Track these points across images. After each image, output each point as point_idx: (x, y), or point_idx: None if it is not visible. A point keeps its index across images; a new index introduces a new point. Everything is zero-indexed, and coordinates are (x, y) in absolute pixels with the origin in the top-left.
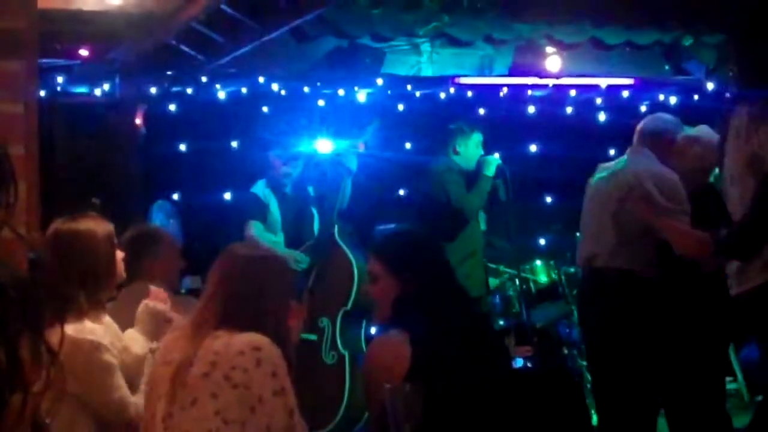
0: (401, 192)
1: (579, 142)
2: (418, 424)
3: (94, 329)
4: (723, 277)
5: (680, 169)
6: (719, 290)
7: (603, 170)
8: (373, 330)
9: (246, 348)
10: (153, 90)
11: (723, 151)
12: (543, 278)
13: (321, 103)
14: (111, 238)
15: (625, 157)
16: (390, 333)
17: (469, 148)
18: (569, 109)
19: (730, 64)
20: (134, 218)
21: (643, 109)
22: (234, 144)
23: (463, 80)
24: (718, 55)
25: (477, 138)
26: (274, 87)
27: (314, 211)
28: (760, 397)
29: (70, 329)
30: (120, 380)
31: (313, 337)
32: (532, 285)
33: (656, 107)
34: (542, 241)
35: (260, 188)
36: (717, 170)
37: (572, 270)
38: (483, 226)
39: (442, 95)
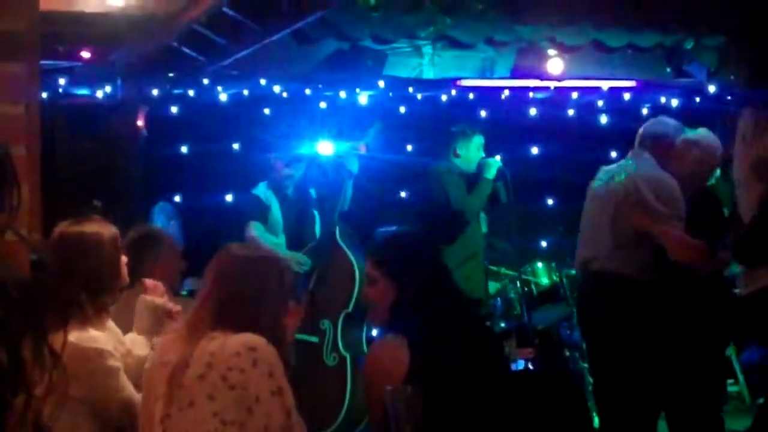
0: (402, 194)
1: (580, 144)
2: (419, 425)
3: (97, 337)
4: (721, 281)
5: (679, 172)
6: (716, 294)
7: (604, 173)
8: (374, 332)
9: (242, 348)
10: (154, 92)
11: (731, 155)
12: (544, 280)
13: (323, 105)
14: (116, 241)
15: (624, 160)
16: (388, 337)
17: (470, 151)
18: (570, 112)
19: (732, 66)
20: (135, 220)
21: (645, 111)
22: (235, 146)
23: (465, 82)
24: (719, 58)
25: (478, 141)
26: (276, 89)
27: (316, 212)
28: (761, 400)
29: (73, 337)
30: (125, 380)
31: (314, 339)
32: (533, 287)
33: (657, 110)
34: (543, 244)
35: (262, 190)
36: (718, 172)
37: (573, 272)
38: (484, 229)
39: (444, 97)
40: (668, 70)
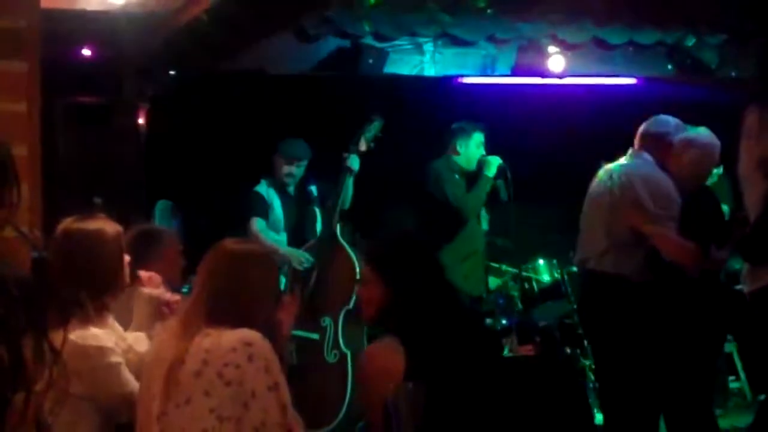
0: (402, 192)
1: (581, 141)
2: (420, 423)
3: (98, 335)
4: (718, 280)
5: (677, 171)
6: (712, 293)
7: (604, 172)
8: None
9: (237, 344)
10: (155, 90)
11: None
12: (545, 277)
13: (323, 103)
14: (120, 240)
15: (624, 159)
16: (383, 340)
17: (470, 148)
18: (572, 109)
19: (733, 64)
20: (137, 218)
21: (646, 109)
22: (237, 144)
23: (466, 80)
24: (720, 55)
25: (478, 138)
26: (277, 87)
27: (317, 210)
28: (762, 396)
29: (74, 335)
30: (128, 376)
31: (315, 336)
32: (534, 284)
33: (658, 107)
34: (544, 241)
35: (263, 187)
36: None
37: (574, 269)
38: (485, 226)
39: (445, 95)
40: (669, 67)
